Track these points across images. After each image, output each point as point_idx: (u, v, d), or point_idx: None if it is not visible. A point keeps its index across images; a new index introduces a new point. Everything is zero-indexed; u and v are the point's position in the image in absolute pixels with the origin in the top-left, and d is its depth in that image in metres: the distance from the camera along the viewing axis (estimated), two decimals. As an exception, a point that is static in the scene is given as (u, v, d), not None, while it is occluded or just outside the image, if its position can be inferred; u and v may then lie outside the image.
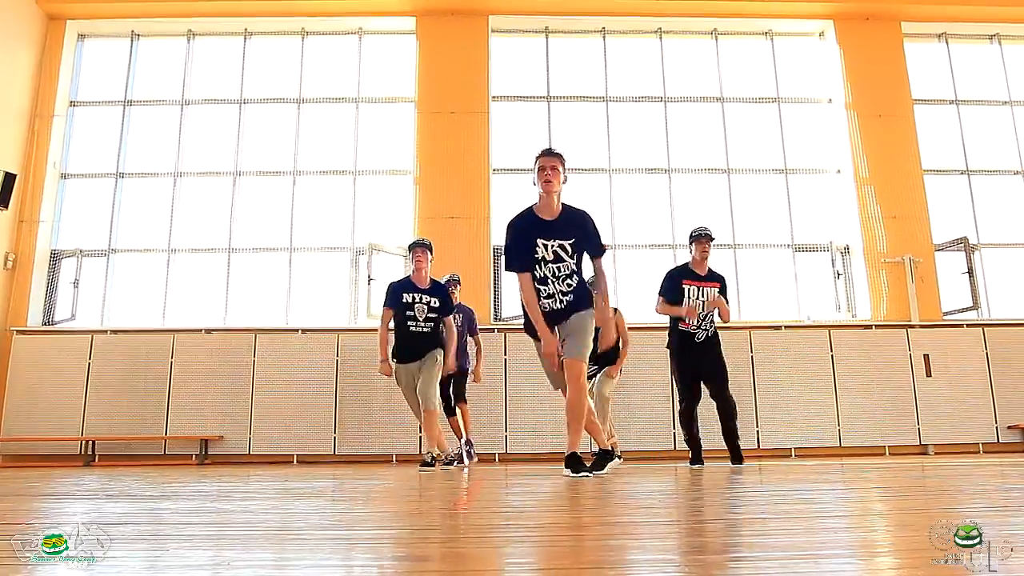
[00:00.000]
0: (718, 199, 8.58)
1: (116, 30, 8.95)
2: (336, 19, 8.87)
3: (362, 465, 6.44)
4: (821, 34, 9.08)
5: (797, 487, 2.98)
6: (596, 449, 4.59)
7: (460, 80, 8.46)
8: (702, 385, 5.59)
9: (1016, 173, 8.81)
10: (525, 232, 4.04)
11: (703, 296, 5.50)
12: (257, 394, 7.49)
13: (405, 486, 3.55)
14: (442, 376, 6.51)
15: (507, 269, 4.14)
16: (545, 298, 4.04)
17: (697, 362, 5.57)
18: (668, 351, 5.74)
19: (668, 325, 5.69)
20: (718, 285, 5.60)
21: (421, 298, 5.49)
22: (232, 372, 7.56)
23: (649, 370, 7.54)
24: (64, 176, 8.64)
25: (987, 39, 9.16)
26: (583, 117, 8.69)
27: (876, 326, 7.94)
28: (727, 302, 5.61)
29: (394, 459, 7.34)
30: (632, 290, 8.34)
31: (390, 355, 5.51)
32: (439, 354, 5.51)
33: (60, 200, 8.58)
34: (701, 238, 5.61)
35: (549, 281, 4.01)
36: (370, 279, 7.87)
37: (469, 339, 6.56)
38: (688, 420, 5.58)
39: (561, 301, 4.02)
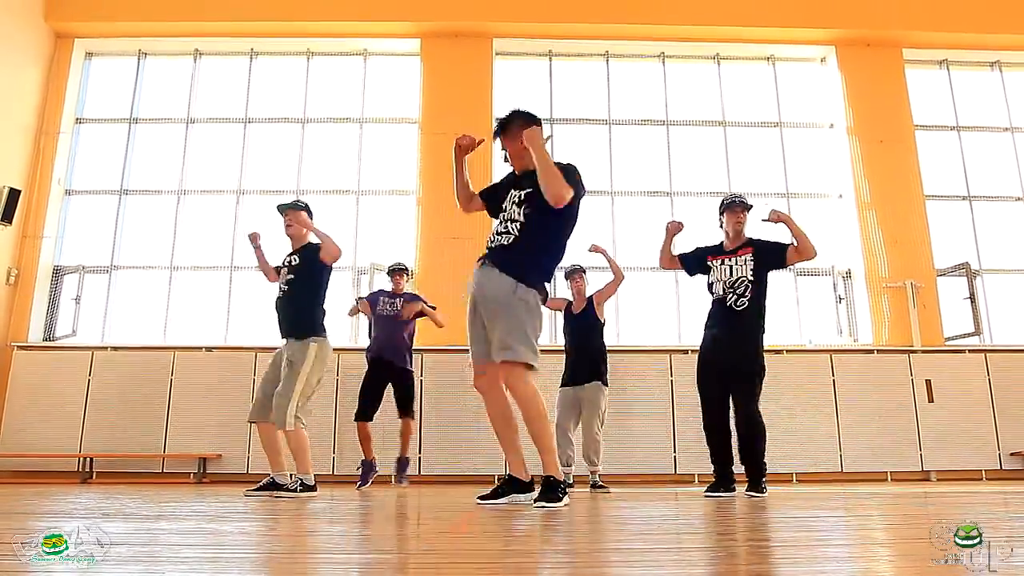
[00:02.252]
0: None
1: (123, 49, 9.04)
2: (341, 40, 8.95)
3: (372, 481, 6.39)
4: (823, 59, 9.14)
5: (799, 514, 2.96)
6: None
7: (464, 102, 8.51)
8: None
9: (1018, 199, 8.83)
10: (503, 183, 3.72)
11: (732, 263, 4.60)
12: (256, 413, 7.46)
13: (403, 508, 3.53)
14: (377, 376, 6.31)
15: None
16: (493, 232, 3.54)
17: (727, 349, 4.51)
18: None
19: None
20: (751, 250, 4.61)
21: (290, 259, 4.84)
22: (232, 390, 7.53)
23: (647, 392, 7.52)
24: (68, 192, 8.68)
25: (988, 66, 9.22)
26: (586, 140, 8.73)
27: (878, 351, 7.92)
28: (781, 248, 4.56)
29: (392, 480, 7.29)
30: (633, 313, 8.34)
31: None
32: (309, 350, 4.58)
33: (64, 216, 8.61)
34: (734, 206, 4.65)
35: (500, 217, 3.56)
36: (371, 298, 7.87)
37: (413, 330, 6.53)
38: (720, 443, 4.58)
39: (495, 239, 3.49)
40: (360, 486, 6.15)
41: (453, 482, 7.24)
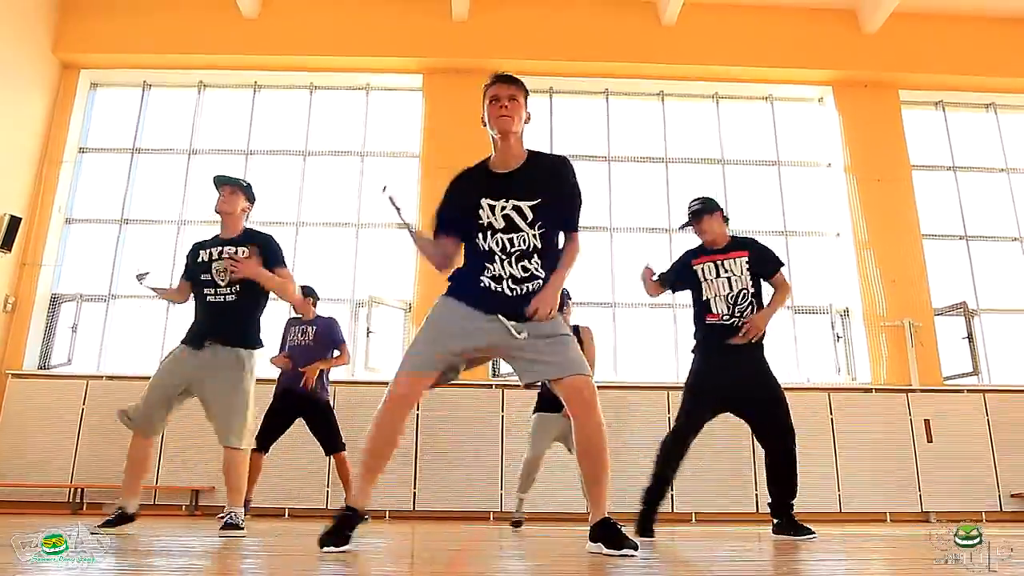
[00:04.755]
0: (718, 259, 8.63)
1: (128, 80, 9.14)
2: (344, 75, 9.05)
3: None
4: (820, 99, 9.25)
5: (798, 556, 2.92)
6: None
7: (465, 137, 8.50)
8: (742, 419, 4.08)
9: (1014, 239, 8.87)
10: (463, 189, 2.93)
11: (728, 271, 4.08)
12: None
13: (394, 547, 3.48)
14: (286, 406, 5.70)
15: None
16: (490, 278, 2.79)
17: (732, 373, 3.95)
18: (692, 360, 4.18)
19: (693, 323, 4.22)
20: (747, 253, 4.12)
21: (226, 250, 3.85)
22: (227, 422, 7.47)
23: (643, 430, 7.46)
24: (68, 221, 8.70)
25: (983, 108, 9.33)
26: (585, 176, 8.74)
27: (876, 390, 7.90)
28: (772, 269, 4.10)
29: (386, 516, 7.22)
30: (632, 351, 8.33)
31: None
32: (252, 358, 3.87)
33: (63, 244, 8.62)
34: (701, 213, 4.21)
35: (496, 258, 2.78)
36: (369, 332, 7.87)
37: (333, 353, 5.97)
38: (672, 456, 3.96)
39: (516, 290, 2.77)
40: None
41: (448, 518, 7.16)
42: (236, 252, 3.84)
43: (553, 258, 2.84)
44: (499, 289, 2.78)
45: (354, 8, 8.84)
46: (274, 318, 6.88)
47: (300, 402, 5.79)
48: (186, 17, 8.79)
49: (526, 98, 2.93)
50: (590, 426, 2.66)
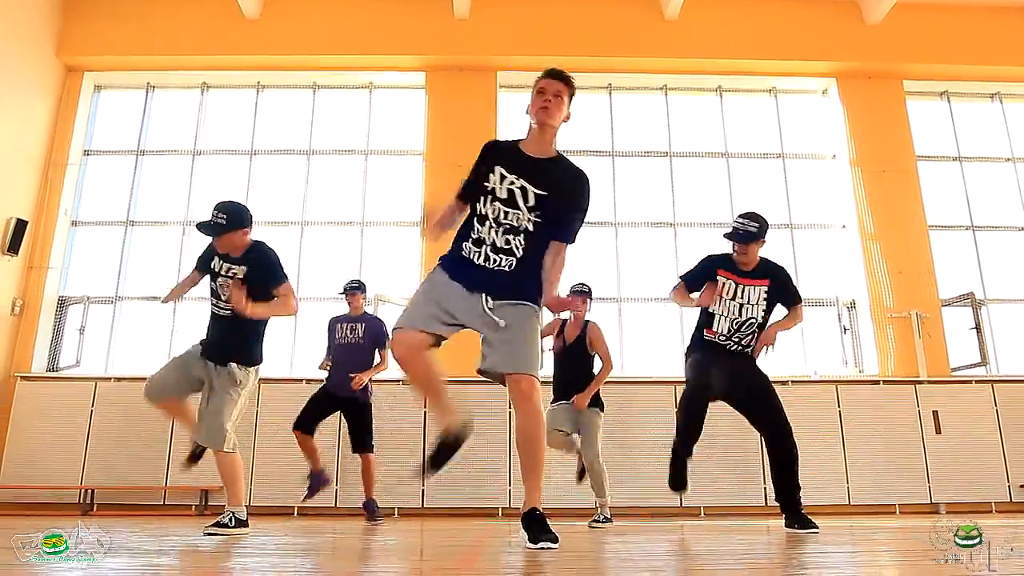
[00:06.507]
0: (723, 253, 8.61)
1: (132, 82, 9.17)
2: (347, 74, 9.06)
3: (363, 518, 6.34)
4: (824, 91, 9.22)
5: (806, 549, 2.92)
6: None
7: (468, 134, 8.56)
8: (745, 417, 4.27)
9: (1021, 229, 8.83)
10: (491, 154, 2.99)
11: (744, 298, 4.16)
12: (259, 444, 7.43)
13: (404, 544, 3.49)
14: (330, 398, 5.76)
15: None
16: (471, 242, 2.89)
17: (727, 372, 4.08)
18: (684, 361, 4.34)
19: (695, 327, 4.37)
20: (767, 282, 4.21)
21: (227, 268, 3.93)
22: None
23: (650, 424, 7.46)
24: (75, 223, 8.73)
25: (988, 97, 9.29)
26: (589, 171, 8.71)
27: (884, 381, 7.88)
28: (792, 302, 4.28)
29: (396, 512, 7.24)
30: (638, 345, 8.32)
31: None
32: (239, 375, 3.94)
33: (69, 247, 8.65)
34: (736, 238, 4.22)
35: (487, 222, 2.88)
36: (375, 329, 7.86)
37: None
38: (681, 465, 4.16)
39: (491, 259, 2.86)
40: (305, 497, 5.85)
41: (456, 515, 7.18)
42: (242, 270, 3.92)
43: (537, 248, 2.91)
44: (476, 255, 2.87)
45: (356, 7, 8.85)
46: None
47: (342, 398, 5.78)
48: (188, 19, 8.81)
49: (571, 98, 3.03)
50: (526, 416, 2.76)
